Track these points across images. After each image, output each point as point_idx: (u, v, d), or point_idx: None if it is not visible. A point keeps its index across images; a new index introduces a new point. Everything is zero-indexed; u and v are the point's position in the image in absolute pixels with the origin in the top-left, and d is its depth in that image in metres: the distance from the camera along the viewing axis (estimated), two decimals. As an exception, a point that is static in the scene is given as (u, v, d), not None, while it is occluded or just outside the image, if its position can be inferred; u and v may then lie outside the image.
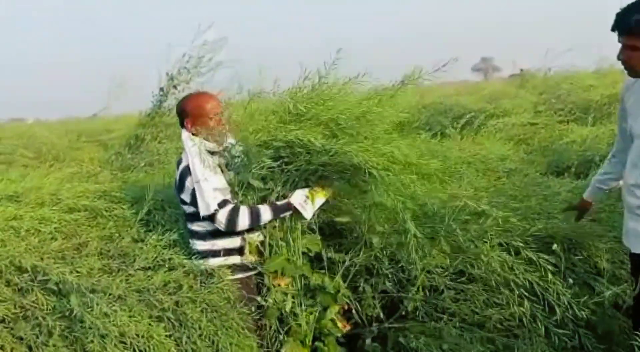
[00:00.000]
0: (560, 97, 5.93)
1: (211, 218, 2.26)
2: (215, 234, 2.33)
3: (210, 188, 2.26)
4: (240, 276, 2.36)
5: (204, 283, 2.28)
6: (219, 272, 2.31)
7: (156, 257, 2.37)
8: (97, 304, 2.09)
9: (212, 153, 2.38)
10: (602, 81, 6.03)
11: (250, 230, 2.36)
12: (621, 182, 2.30)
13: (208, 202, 2.24)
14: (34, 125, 13.06)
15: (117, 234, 2.68)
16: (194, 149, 2.34)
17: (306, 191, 2.35)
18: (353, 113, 2.37)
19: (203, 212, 2.27)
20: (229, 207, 2.27)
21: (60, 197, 2.87)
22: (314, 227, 2.47)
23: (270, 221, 2.34)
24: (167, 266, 2.37)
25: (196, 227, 2.39)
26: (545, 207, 2.82)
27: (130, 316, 2.13)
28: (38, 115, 17.67)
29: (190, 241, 2.44)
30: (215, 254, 2.35)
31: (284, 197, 2.36)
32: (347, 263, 2.47)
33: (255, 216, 2.30)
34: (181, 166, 2.39)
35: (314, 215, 2.36)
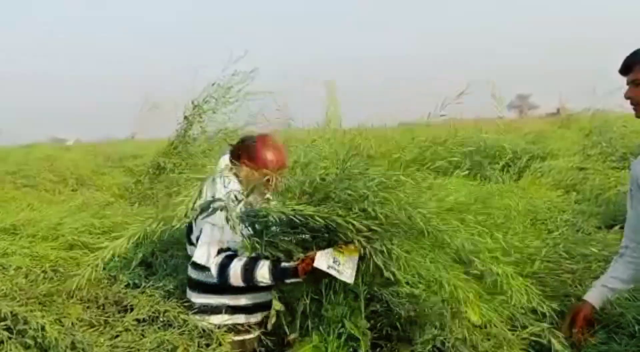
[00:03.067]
0: (612, 140, 5.49)
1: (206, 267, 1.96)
2: (219, 287, 2.02)
3: (218, 235, 1.97)
4: (243, 337, 2.04)
5: (201, 346, 1.97)
6: (219, 333, 1.99)
7: (151, 308, 2.07)
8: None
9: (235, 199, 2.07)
10: (659, 124, 5.57)
11: (263, 289, 2.01)
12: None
13: (210, 249, 1.94)
14: (69, 148, 13.20)
15: (116, 278, 2.42)
16: (223, 189, 2.03)
17: (330, 250, 1.85)
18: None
19: (198, 259, 1.96)
20: (222, 255, 1.95)
21: (60, 232, 2.64)
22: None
23: (269, 285, 1.95)
24: (161, 319, 2.07)
25: (199, 275, 2.09)
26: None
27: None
28: (80, 136, 17.98)
29: (188, 291, 2.14)
30: (216, 310, 2.04)
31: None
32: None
33: (249, 271, 1.91)
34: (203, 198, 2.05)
35: (356, 277, 1.85)
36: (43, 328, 1.90)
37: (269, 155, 2.14)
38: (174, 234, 2.56)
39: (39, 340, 1.91)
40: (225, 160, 2.22)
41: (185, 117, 4.89)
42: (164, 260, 2.45)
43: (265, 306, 2.08)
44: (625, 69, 1.89)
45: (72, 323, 2.02)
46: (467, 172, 3.87)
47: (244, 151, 2.19)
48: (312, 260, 1.82)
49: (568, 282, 2.41)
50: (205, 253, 1.95)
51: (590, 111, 7.28)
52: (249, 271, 1.91)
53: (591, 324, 1.99)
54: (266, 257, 1.92)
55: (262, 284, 1.93)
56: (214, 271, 1.93)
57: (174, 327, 2.01)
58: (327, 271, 1.80)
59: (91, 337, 1.92)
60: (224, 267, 1.92)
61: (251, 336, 2.07)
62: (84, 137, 17.19)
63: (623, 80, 1.91)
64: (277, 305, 2.00)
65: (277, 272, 1.90)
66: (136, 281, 2.36)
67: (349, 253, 1.86)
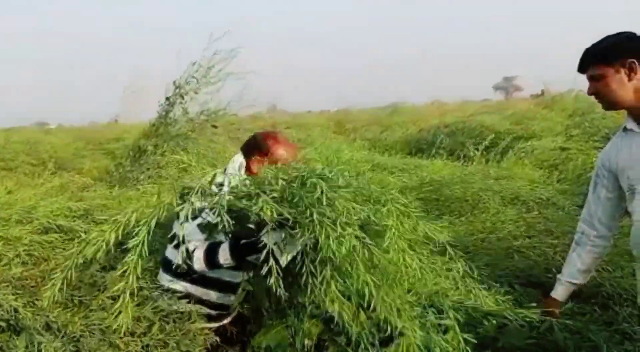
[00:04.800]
0: (594, 120, 5.51)
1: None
2: (196, 277, 2.00)
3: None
4: (210, 325, 2.04)
5: (177, 323, 1.94)
6: (195, 314, 1.97)
7: (125, 285, 2.02)
8: (46, 348, 1.76)
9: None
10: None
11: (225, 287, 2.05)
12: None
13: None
14: (51, 131, 13.00)
15: (92, 261, 2.38)
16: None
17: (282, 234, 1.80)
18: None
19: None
20: (191, 244, 1.91)
21: (34, 216, 2.58)
22: None
23: (230, 264, 1.91)
24: (137, 298, 2.03)
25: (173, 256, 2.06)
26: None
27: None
28: (62, 120, 17.78)
29: (161, 274, 2.11)
30: (188, 297, 2.02)
31: None
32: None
33: (211, 254, 1.89)
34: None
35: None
36: (16, 310, 1.85)
37: (281, 150, 2.16)
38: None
39: (12, 322, 1.87)
40: (239, 156, 2.20)
41: (167, 99, 4.83)
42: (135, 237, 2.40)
43: (234, 307, 2.14)
44: (582, 67, 1.88)
45: (47, 305, 1.97)
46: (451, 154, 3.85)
47: (256, 147, 2.19)
48: None
49: (550, 254, 2.42)
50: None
51: (573, 92, 7.31)
52: (210, 254, 1.90)
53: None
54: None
55: (225, 265, 1.91)
56: (183, 253, 1.88)
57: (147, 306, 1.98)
58: (272, 247, 1.74)
59: (65, 316, 1.88)
60: (191, 250, 1.90)
61: (218, 324, 2.07)
62: (68, 120, 17.00)
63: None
64: (246, 286, 2.07)
65: (237, 250, 1.90)
66: (112, 263, 2.31)
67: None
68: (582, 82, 1.95)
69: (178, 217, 1.99)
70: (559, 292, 2.05)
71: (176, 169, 4.26)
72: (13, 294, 2.01)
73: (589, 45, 1.89)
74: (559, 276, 2.09)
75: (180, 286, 2.05)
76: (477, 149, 4.91)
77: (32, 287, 2.09)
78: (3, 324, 1.86)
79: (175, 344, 1.92)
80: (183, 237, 1.82)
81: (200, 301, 2.03)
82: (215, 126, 5.04)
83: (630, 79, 1.78)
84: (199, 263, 1.90)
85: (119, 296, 1.98)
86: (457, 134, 6.24)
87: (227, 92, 4.93)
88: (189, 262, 1.88)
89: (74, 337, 1.81)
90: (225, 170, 2.13)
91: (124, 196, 3.16)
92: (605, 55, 1.82)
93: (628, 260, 2.26)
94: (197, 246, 1.91)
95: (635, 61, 1.77)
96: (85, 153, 6.81)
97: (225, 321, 2.12)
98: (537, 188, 3.36)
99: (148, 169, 4.50)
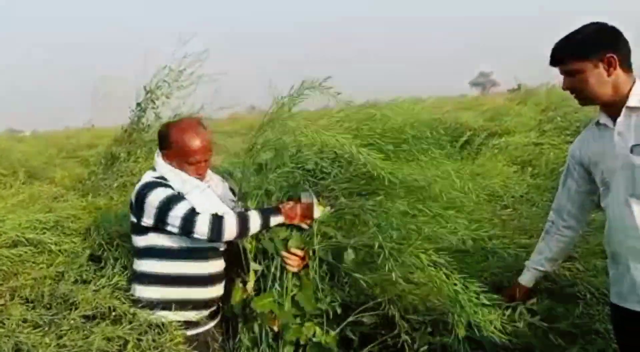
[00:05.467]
0: (566, 114, 5.58)
1: (187, 229, 1.91)
2: (167, 279, 1.97)
3: (188, 203, 1.93)
4: (196, 331, 1.99)
5: (154, 339, 1.91)
6: (171, 327, 1.93)
7: (97, 304, 1.99)
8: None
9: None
10: (611, 98, 5.66)
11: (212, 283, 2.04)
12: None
13: (184, 213, 1.92)
14: (23, 139, 12.72)
15: (64, 274, 2.32)
16: (168, 167, 2.04)
17: (316, 201, 2.09)
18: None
19: (175, 222, 1.91)
20: (208, 214, 1.95)
21: (2, 229, 2.51)
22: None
23: (260, 230, 2.03)
24: (112, 316, 2.00)
25: (145, 267, 2.03)
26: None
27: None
28: (37, 127, 17.44)
29: (133, 285, 2.08)
30: (165, 305, 1.98)
31: None
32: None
33: (242, 220, 1.98)
34: (143, 181, 2.04)
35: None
36: (-18, 332, 1.80)
37: (185, 140, 2.09)
38: (122, 224, 2.49)
39: (-21, 345, 1.81)
40: (159, 157, 2.18)
41: (138, 104, 4.73)
42: (111, 253, 2.36)
43: (214, 301, 2.08)
44: (555, 61, 1.82)
45: (16, 324, 1.92)
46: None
47: (163, 144, 2.16)
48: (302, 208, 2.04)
49: (522, 256, 2.43)
50: (179, 219, 1.92)
51: (546, 87, 7.38)
52: (242, 221, 1.98)
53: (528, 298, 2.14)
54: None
55: (253, 230, 2.00)
56: (205, 227, 1.92)
57: (123, 323, 1.94)
58: (308, 205, 2.04)
59: (35, 337, 1.84)
60: (216, 222, 1.93)
61: (203, 329, 2.03)
62: (42, 127, 16.66)
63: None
64: (255, 266, 2.11)
65: (265, 212, 2.02)
66: (84, 277, 2.27)
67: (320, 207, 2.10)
68: (556, 76, 1.91)
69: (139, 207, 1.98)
70: (526, 278, 2.12)
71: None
72: (-20, 313, 1.95)
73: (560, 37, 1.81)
74: (526, 262, 2.14)
75: (153, 291, 2.01)
76: (454, 147, 4.93)
77: (1, 305, 2.03)
78: (-31, 346, 1.80)
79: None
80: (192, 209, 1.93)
81: (179, 303, 1.99)
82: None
83: (609, 75, 1.74)
84: (229, 230, 1.94)
85: (92, 316, 1.96)
86: (433, 131, 6.26)
87: (201, 95, 4.86)
88: (217, 230, 1.93)
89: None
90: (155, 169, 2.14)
91: (94, 205, 3.09)
92: (583, 50, 1.75)
93: (602, 257, 2.29)
94: (222, 214, 1.97)
95: (614, 56, 1.72)
96: (57, 161, 6.68)
97: (207, 327, 2.08)
98: (511, 185, 3.39)
99: (121, 176, 4.40)
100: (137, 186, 2.07)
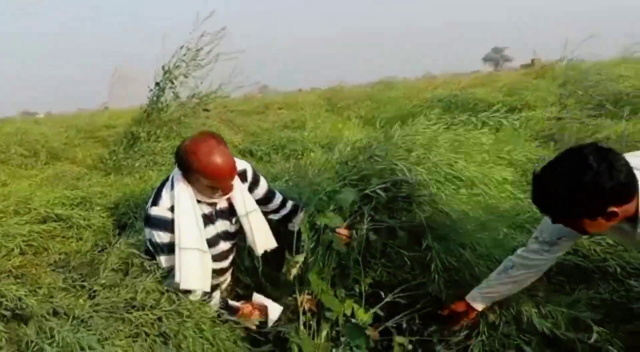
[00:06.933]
0: (587, 89, 5.48)
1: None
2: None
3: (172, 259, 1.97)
4: (217, 281, 2.14)
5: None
6: None
7: (121, 260, 2.00)
8: (59, 332, 1.74)
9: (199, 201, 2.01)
10: (634, 70, 5.56)
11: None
12: None
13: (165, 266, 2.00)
14: (40, 121, 12.83)
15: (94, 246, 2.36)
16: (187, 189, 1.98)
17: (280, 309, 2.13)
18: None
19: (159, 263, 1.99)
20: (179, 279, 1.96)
21: (31, 206, 2.55)
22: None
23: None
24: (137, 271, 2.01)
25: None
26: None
27: (99, 340, 1.78)
28: (51, 109, 17.53)
29: None
30: None
31: None
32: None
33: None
34: (151, 211, 1.98)
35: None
36: (20, 299, 1.83)
37: (205, 171, 1.89)
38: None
39: (18, 312, 1.84)
40: (177, 173, 2.00)
41: (157, 84, 4.75)
42: (135, 218, 2.38)
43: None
44: (546, 213, 1.64)
45: (49, 290, 1.96)
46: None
47: (181, 164, 1.95)
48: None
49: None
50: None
51: (564, 61, 7.26)
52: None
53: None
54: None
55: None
56: (175, 283, 1.95)
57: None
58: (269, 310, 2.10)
59: (70, 300, 1.87)
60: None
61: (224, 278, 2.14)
62: (55, 109, 16.77)
63: (596, 28, 1.70)
64: (298, 257, 2.13)
65: (226, 305, 2.10)
66: (105, 244, 2.28)
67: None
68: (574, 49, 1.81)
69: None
70: (478, 303, 2.08)
71: (171, 155, 4.21)
72: (15, 284, 1.99)
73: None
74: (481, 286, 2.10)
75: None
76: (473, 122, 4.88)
77: (32, 274, 2.06)
78: (8, 313, 1.83)
79: (188, 313, 1.91)
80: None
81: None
82: (207, 109, 4.99)
83: (609, 222, 1.53)
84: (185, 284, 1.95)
85: (120, 270, 1.98)
86: (452, 108, 6.20)
87: (218, 74, 4.86)
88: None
89: (83, 319, 1.79)
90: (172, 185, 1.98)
91: (121, 183, 3.12)
92: (583, 214, 1.53)
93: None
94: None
95: (617, 210, 1.49)
96: (77, 141, 6.70)
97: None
98: (535, 160, 3.36)
99: (143, 156, 4.45)
100: (147, 208, 1.98)
